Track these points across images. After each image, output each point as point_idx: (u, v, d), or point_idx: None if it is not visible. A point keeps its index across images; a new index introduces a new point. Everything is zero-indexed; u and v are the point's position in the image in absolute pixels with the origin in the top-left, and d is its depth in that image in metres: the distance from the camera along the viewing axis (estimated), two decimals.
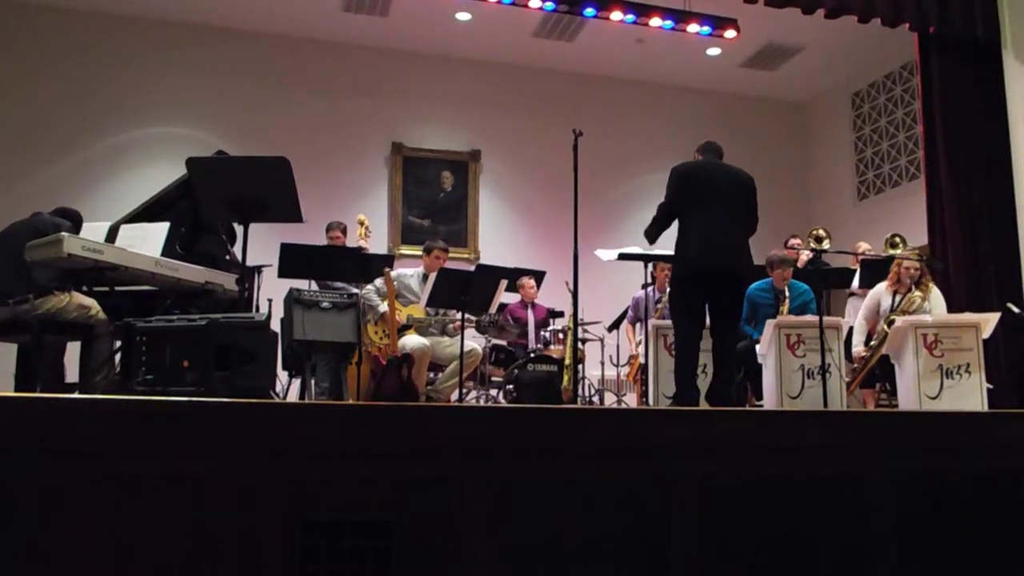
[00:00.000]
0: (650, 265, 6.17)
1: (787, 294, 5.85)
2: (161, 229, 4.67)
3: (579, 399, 6.27)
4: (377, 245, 8.28)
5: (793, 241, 7.50)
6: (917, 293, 5.62)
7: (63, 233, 4.00)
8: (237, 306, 4.54)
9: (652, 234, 4.73)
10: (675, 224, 4.64)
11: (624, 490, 2.50)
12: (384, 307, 5.56)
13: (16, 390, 4.54)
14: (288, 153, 4.12)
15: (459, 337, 5.39)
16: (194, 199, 4.59)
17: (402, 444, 2.31)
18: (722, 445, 2.66)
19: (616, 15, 7.15)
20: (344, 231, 6.60)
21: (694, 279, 4.49)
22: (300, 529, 2.18)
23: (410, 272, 6.03)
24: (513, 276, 6.56)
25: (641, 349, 6.12)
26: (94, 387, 4.22)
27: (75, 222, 4.69)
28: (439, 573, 2.28)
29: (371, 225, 6.62)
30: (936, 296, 5.71)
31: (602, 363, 7.32)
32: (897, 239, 5.91)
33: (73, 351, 4.64)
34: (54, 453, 2.06)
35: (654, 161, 9.27)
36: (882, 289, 5.80)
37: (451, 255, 6.46)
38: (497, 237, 9.24)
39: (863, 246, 7.08)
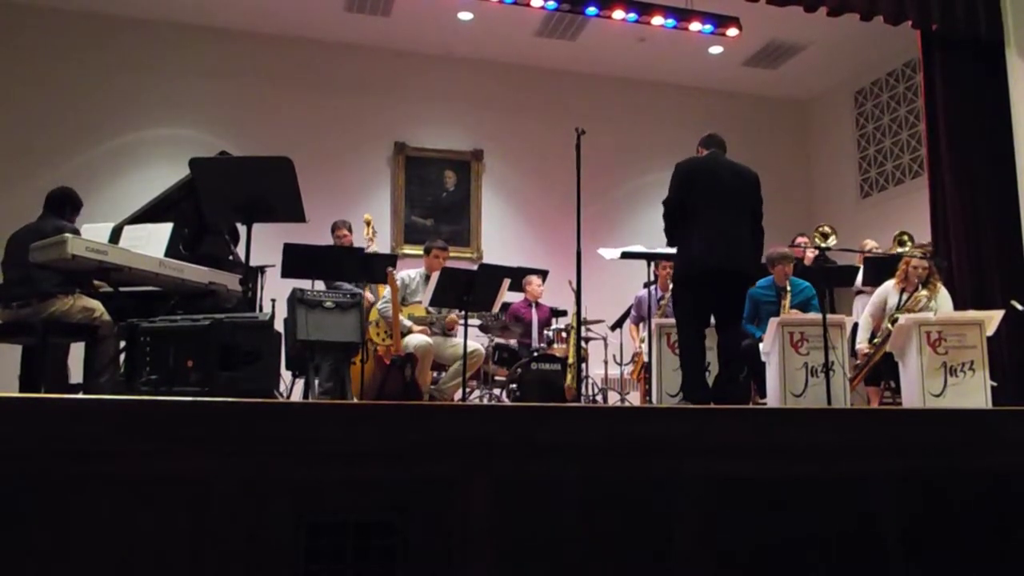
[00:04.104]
0: (652, 264, 6.17)
1: (788, 289, 5.85)
2: (165, 230, 4.68)
3: (582, 398, 6.26)
4: (380, 245, 8.28)
5: (800, 239, 7.50)
6: (924, 292, 5.61)
7: (67, 235, 4.01)
8: (241, 306, 4.54)
9: (668, 233, 4.71)
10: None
11: (627, 489, 2.50)
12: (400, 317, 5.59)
13: (20, 391, 4.55)
14: (291, 153, 4.12)
15: (462, 337, 5.40)
16: (197, 200, 4.59)
17: (405, 444, 2.32)
18: (725, 443, 2.66)
19: (618, 14, 7.14)
20: (351, 229, 6.61)
21: (698, 278, 4.47)
22: (304, 530, 2.19)
23: (412, 274, 6.04)
24: (516, 275, 6.56)
25: (645, 347, 6.12)
26: (98, 388, 4.22)
27: (74, 207, 4.70)
28: (443, 573, 2.28)
29: (376, 225, 6.64)
30: (943, 296, 5.70)
31: (605, 362, 7.32)
32: (905, 237, 5.91)
33: (77, 352, 4.65)
34: (58, 454, 2.06)
35: (656, 160, 9.28)
36: (889, 287, 5.79)
37: (454, 255, 6.47)
38: (500, 236, 9.24)
39: (870, 244, 7.08)
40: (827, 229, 5.43)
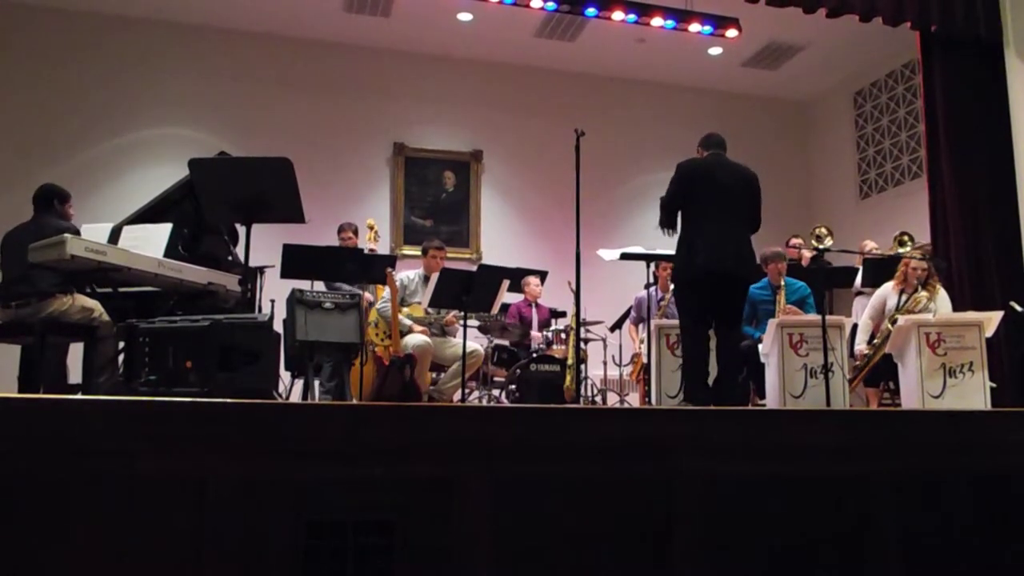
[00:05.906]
0: (652, 265, 6.17)
1: (783, 286, 5.86)
2: (164, 230, 4.68)
3: (581, 399, 6.26)
4: (380, 247, 8.29)
5: (794, 241, 7.49)
6: (923, 293, 5.61)
7: (66, 235, 4.00)
8: (240, 307, 4.54)
9: (663, 226, 4.69)
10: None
11: (627, 490, 2.50)
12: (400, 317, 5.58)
13: (19, 391, 4.55)
14: (290, 154, 4.12)
15: (461, 337, 5.40)
16: (196, 200, 4.59)
17: (405, 444, 2.31)
18: (725, 444, 2.66)
19: (617, 15, 7.15)
20: (356, 232, 6.62)
21: (698, 282, 4.47)
22: (303, 529, 2.19)
23: (412, 275, 6.03)
24: (515, 276, 6.56)
25: (644, 348, 6.12)
26: (97, 388, 4.22)
27: (60, 198, 4.69)
28: (442, 572, 2.28)
29: (376, 226, 6.66)
30: (943, 297, 5.69)
31: (604, 363, 7.32)
32: (905, 237, 5.89)
33: (76, 352, 4.65)
34: (57, 454, 2.06)
35: (656, 161, 9.28)
36: (888, 289, 5.79)
37: (454, 256, 6.46)
38: (499, 237, 9.24)
39: (869, 244, 7.07)
40: (823, 231, 5.41)
